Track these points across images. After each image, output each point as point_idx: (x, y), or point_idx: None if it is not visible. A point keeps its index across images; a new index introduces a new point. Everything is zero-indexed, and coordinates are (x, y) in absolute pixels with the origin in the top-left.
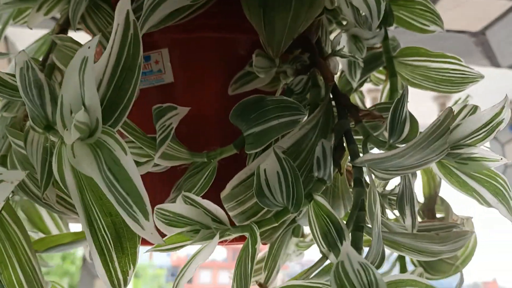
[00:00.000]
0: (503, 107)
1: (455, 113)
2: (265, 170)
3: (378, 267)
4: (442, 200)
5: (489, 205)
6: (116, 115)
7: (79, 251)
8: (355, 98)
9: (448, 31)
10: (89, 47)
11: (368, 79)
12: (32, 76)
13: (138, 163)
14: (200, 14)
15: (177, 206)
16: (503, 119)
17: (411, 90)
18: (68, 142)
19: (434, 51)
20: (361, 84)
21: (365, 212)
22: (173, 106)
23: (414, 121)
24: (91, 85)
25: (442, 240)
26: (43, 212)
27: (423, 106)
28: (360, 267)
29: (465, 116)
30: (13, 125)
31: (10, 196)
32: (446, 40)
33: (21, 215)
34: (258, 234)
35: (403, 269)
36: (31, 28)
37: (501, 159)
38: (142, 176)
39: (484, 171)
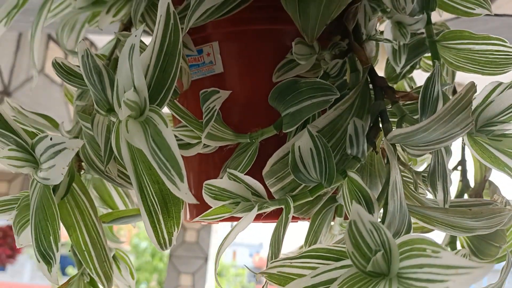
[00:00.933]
0: None
1: (488, 91)
2: (299, 147)
3: None
4: (490, 183)
5: None
6: (162, 95)
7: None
8: (403, 85)
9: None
10: (135, 36)
11: (418, 66)
12: (92, 62)
13: (190, 145)
14: (245, 8)
15: (222, 181)
16: None
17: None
18: (121, 118)
19: (477, 34)
20: (409, 71)
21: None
22: (216, 90)
23: (447, 100)
24: (138, 67)
25: (474, 215)
26: (112, 191)
27: None
28: (372, 227)
29: (499, 94)
30: (84, 111)
31: (82, 172)
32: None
33: (93, 193)
34: (292, 205)
35: None
36: (101, 29)
37: None
38: (200, 161)
39: None
